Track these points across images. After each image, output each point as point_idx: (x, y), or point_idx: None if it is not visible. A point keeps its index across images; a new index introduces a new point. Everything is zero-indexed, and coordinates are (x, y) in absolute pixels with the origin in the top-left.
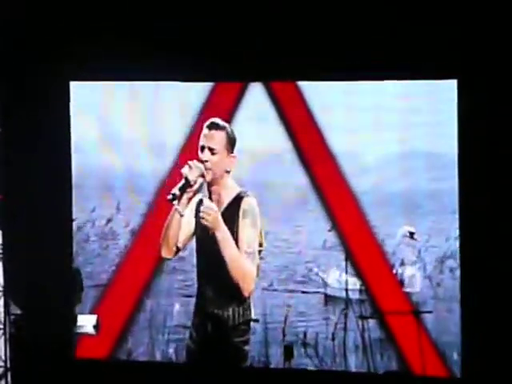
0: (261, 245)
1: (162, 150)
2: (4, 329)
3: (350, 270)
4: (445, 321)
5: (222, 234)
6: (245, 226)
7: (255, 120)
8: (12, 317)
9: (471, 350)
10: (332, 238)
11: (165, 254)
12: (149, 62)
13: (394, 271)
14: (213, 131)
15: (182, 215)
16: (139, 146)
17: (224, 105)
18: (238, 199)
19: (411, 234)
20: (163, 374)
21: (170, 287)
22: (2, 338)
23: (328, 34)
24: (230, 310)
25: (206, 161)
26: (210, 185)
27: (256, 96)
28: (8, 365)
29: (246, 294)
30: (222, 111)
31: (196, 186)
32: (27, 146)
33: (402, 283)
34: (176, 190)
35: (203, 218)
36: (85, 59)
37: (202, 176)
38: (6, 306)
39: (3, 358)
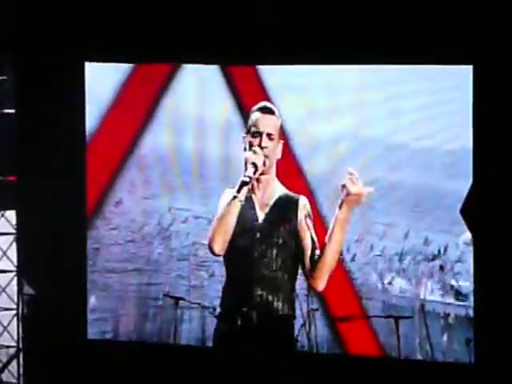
0: None
1: None
2: (17, 309)
3: None
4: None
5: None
6: (312, 227)
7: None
8: (25, 297)
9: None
10: None
11: (219, 250)
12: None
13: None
14: (268, 115)
15: (242, 202)
16: None
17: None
18: (290, 195)
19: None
20: (184, 359)
21: None
22: (15, 318)
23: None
24: (281, 299)
25: (266, 147)
26: (261, 173)
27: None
28: (20, 345)
29: (320, 286)
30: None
31: (259, 172)
32: (41, 127)
33: (458, 294)
34: (251, 174)
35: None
36: (99, 40)
37: (264, 163)
38: (19, 286)
39: (15, 338)
